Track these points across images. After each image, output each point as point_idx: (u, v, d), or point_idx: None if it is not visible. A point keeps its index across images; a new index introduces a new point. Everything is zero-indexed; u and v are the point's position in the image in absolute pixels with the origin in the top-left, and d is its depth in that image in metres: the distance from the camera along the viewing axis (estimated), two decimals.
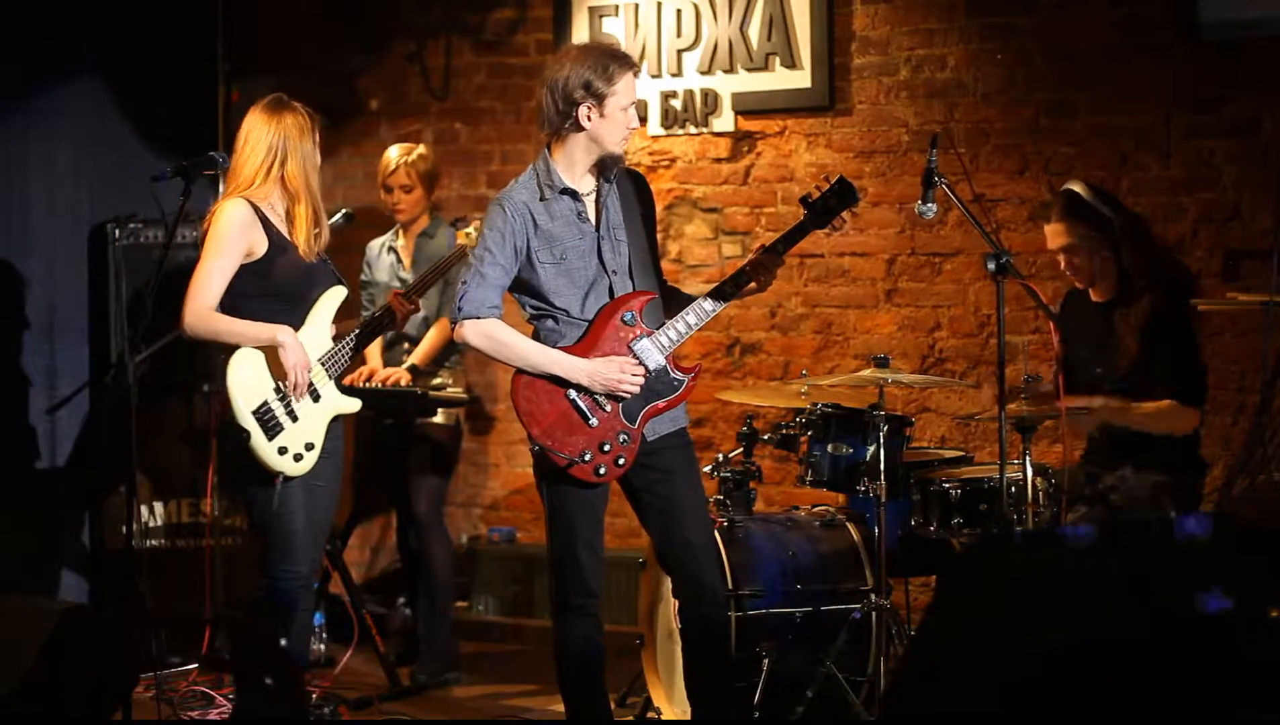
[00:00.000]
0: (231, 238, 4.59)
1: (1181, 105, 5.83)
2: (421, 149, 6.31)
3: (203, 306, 4.58)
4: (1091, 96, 5.97)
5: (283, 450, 4.63)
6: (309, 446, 4.67)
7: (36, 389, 6.39)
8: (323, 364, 4.74)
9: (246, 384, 4.62)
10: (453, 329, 4.58)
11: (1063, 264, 5.37)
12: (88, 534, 6.46)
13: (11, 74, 6.31)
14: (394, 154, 6.26)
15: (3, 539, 6.22)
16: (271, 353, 4.64)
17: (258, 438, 4.61)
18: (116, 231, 6.34)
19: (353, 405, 4.84)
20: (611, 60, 4.48)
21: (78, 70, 6.52)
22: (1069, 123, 6.02)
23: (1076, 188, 5.37)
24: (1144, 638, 2.59)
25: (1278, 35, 5.62)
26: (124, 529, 4.60)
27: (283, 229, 4.71)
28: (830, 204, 4.62)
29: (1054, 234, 5.34)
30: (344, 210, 6.16)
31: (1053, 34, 6.04)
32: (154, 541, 6.32)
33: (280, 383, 4.64)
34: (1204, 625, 2.61)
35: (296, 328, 4.68)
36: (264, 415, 4.62)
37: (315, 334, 4.74)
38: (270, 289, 4.66)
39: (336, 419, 4.79)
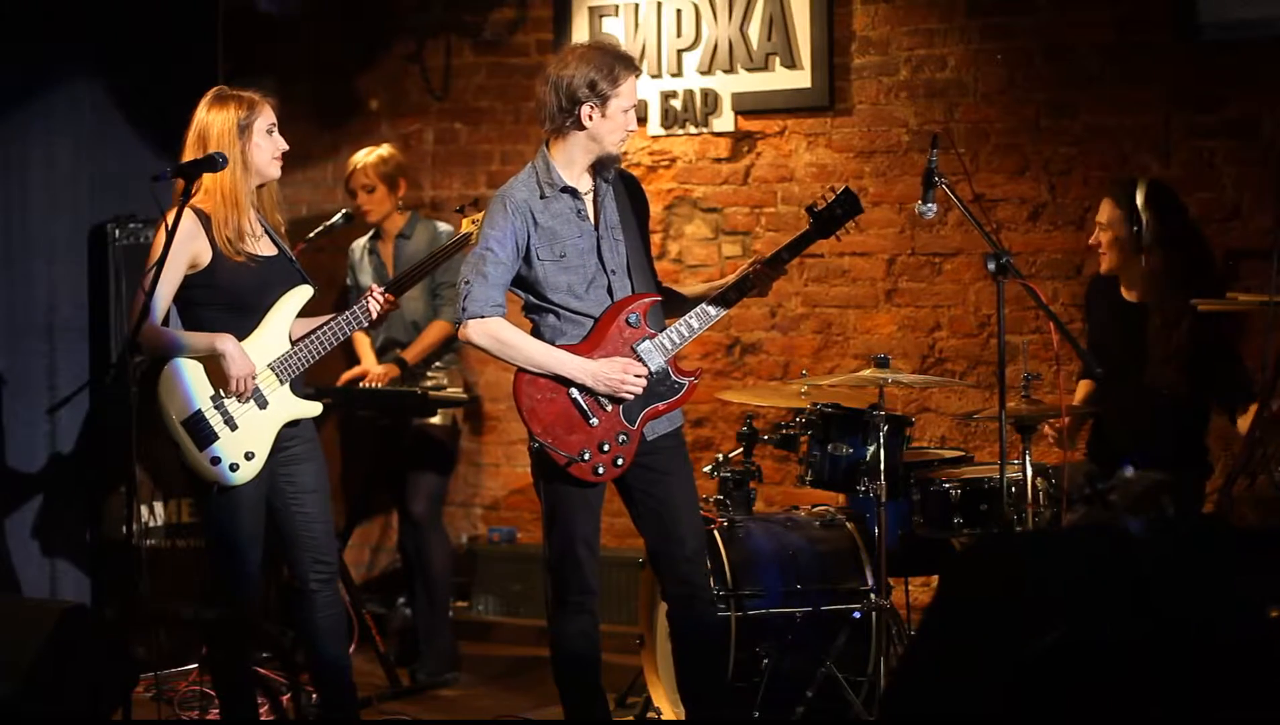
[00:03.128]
0: (172, 250, 4.42)
1: (1181, 105, 5.83)
2: (383, 151, 6.33)
3: (146, 325, 4.44)
4: (1091, 96, 5.97)
5: (216, 460, 4.53)
6: (249, 455, 4.55)
7: (36, 389, 6.38)
8: (274, 369, 4.60)
9: (178, 394, 4.54)
10: (457, 329, 4.58)
11: (1092, 237, 5.40)
12: (88, 534, 6.45)
13: (11, 74, 6.30)
14: (356, 157, 6.32)
15: (2, 539, 6.22)
16: (212, 360, 4.53)
17: (186, 448, 4.54)
18: (116, 231, 6.33)
19: (311, 409, 4.69)
20: (617, 62, 4.51)
21: (78, 70, 6.50)
22: (1069, 123, 6.02)
23: (1139, 182, 5.36)
24: (1142, 637, 2.59)
25: (1277, 35, 5.62)
26: (124, 529, 4.58)
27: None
28: (836, 214, 4.66)
29: (1102, 207, 5.38)
30: (343, 210, 6.16)
31: (1053, 34, 6.04)
32: (154, 541, 6.31)
33: (220, 390, 4.55)
34: (1203, 625, 2.61)
35: (248, 333, 4.57)
36: (195, 425, 4.53)
37: (270, 337, 4.62)
38: (219, 297, 4.56)
39: (296, 422, 4.67)
